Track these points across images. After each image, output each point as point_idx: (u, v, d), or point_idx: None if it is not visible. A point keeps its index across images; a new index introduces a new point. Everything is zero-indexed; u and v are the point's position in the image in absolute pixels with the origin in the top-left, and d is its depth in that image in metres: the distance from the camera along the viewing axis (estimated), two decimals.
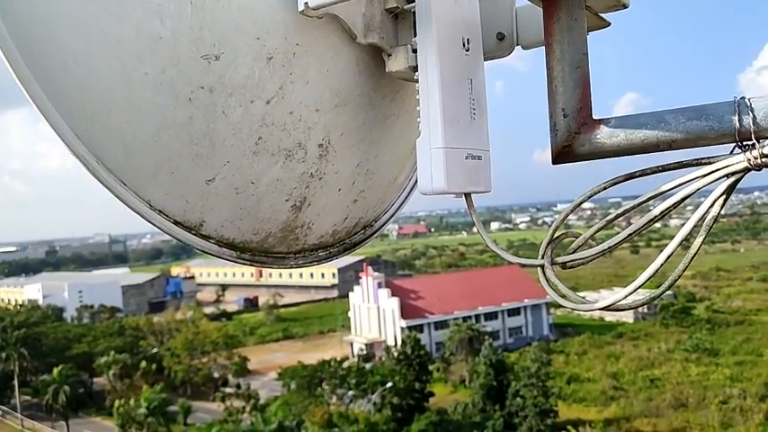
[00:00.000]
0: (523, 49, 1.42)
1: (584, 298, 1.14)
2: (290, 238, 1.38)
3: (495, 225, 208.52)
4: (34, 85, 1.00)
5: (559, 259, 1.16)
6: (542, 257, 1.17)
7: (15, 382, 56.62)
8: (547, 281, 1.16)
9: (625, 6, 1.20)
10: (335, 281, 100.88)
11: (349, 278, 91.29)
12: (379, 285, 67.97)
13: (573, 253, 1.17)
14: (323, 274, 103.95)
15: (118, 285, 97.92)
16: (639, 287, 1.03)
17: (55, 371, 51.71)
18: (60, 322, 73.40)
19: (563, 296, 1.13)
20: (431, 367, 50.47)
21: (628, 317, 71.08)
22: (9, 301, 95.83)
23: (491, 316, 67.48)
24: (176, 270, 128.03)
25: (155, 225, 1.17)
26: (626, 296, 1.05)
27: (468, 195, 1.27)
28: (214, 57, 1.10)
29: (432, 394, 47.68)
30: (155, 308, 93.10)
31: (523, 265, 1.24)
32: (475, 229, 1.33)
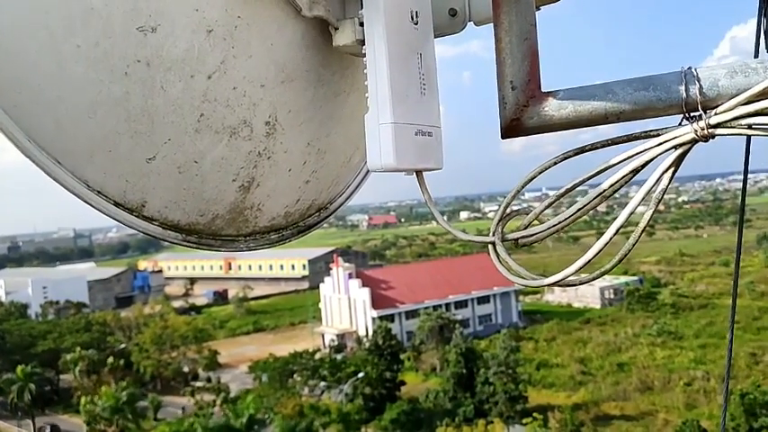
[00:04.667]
0: (476, 25, 1.39)
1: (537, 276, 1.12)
2: (240, 220, 1.34)
3: (464, 214, 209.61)
4: None
5: (510, 236, 1.14)
6: (493, 235, 1.15)
7: None
8: (498, 258, 1.14)
9: None
10: (306, 272, 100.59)
11: (319, 269, 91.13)
12: (350, 276, 67.96)
13: (524, 229, 1.16)
14: (293, 266, 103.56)
15: (84, 280, 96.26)
16: (587, 262, 1.02)
17: (19, 369, 50.68)
18: (24, 319, 71.95)
19: (514, 273, 1.12)
20: (402, 356, 50.69)
21: (595, 303, 72.26)
22: None
23: (461, 304, 67.97)
24: (143, 264, 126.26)
25: (93, 206, 1.13)
26: (574, 272, 1.04)
27: (419, 173, 1.25)
28: (150, 28, 1.05)
29: (403, 383, 47.92)
30: (122, 303, 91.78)
31: (474, 243, 1.22)
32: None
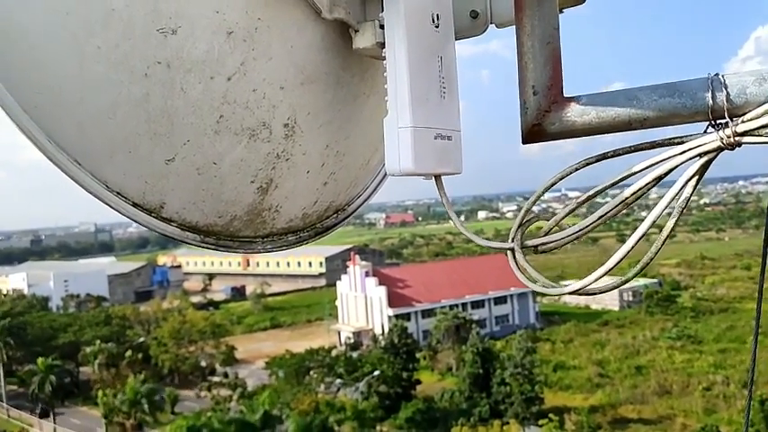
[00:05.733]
0: (497, 27, 1.38)
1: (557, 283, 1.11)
2: (257, 221, 1.34)
3: (482, 214, 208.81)
4: None
5: (529, 242, 1.13)
6: (512, 241, 1.14)
7: (0, 372, 56.25)
8: (516, 264, 1.13)
9: None
10: (323, 270, 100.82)
11: (336, 267, 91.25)
12: (367, 274, 68.02)
13: (544, 236, 1.14)
14: (310, 263, 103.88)
15: (104, 274, 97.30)
16: (608, 271, 1.00)
17: (40, 361, 51.39)
18: (46, 312, 72.93)
19: (532, 280, 1.10)
20: (418, 355, 50.67)
21: (613, 305, 71.67)
22: None
23: (478, 304, 67.75)
24: (163, 259, 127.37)
25: (112, 207, 1.13)
26: (595, 280, 1.02)
27: (438, 177, 1.24)
28: (171, 30, 1.05)
29: (419, 382, 47.90)
30: (141, 297, 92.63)
31: (493, 249, 1.21)
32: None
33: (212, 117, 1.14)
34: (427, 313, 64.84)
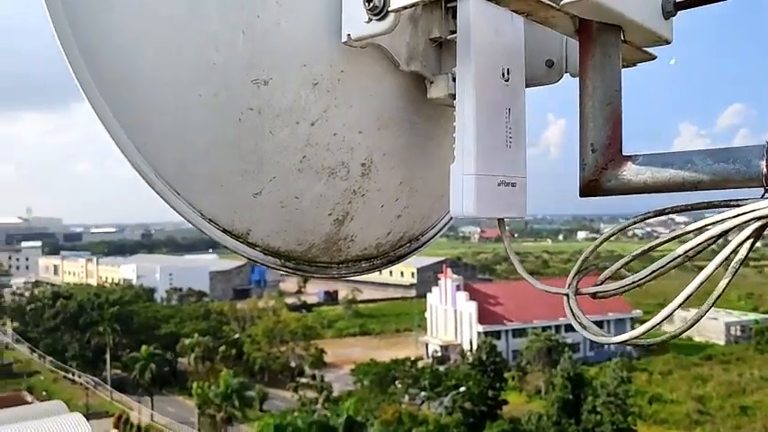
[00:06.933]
0: (572, 76, 1.43)
1: (605, 331, 1.15)
2: (333, 249, 1.45)
3: (581, 234, 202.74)
4: (99, 98, 1.11)
5: (585, 290, 1.18)
6: (568, 287, 1.19)
7: (107, 356, 60.00)
8: (571, 310, 1.18)
9: (668, 42, 1.20)
10: (414, 280, 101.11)
11: (428, 278, 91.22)
12: (458, 288, 67.64)
13: (600, 285, 1.19)
14: (402, 273, 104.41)
15: (206, 270, 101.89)
16: (654, 326, 1.04)
17: (143, 348, 54.44)
18: (151, 302, 77.13)
19: (583, 326, 1.15)
20: (506, 375, 49.85)
21: (719, 339, 67.65)
22: (106, 279, 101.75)
23: (572, 327, 65.38)
24: None
25: (204, 233, 1.28)
26: (642, 333, 1.06)
27: (501, 220, 1.31)
28: (263, 82, 1.19)
29: (505, 402, 47.07)
30: (239, 294, 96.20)
31: (549, 293, 1.27)
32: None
33: (296, 157, 1.27)
34: (518, 333, 63.65)
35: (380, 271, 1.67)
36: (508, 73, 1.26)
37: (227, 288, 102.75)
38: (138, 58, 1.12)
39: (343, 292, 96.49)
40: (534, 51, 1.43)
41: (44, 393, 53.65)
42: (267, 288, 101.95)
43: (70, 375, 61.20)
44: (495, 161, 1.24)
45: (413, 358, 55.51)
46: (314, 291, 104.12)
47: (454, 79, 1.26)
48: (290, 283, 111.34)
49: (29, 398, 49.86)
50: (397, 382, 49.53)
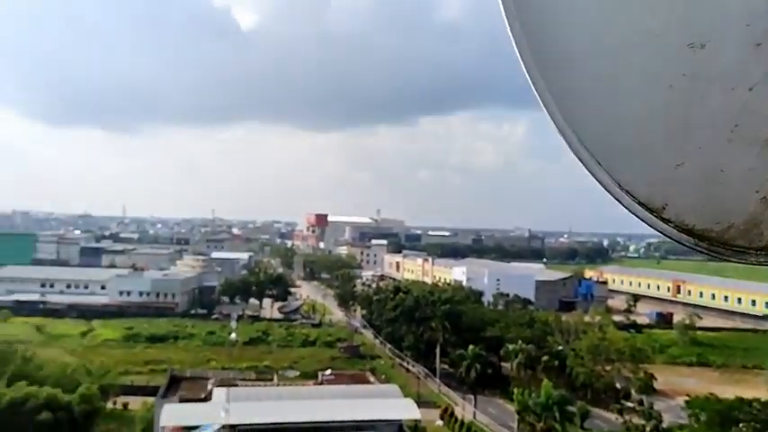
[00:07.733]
0: None
1: None
2: (754, 232, 1.33)
3: None
4: (541, 81, 1.19)
5: None
6: None
7: (437, 351, 64.27)
8: None
9: None
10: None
11: None
12: None
13: None
14: (754, 302, 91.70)
15: (532, 279, 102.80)
16: None
17: (470, 348, 57.05)
18: (478, 305, 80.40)
19: None
20: None
21: None
22: (439, 278, 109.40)
23: None
24: (589, 273, 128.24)
25: (621, 203, 1.28)
26: None
27: None
28: (699, 45, 1.14)
29: None
30: (564, 306, 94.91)
31: None
32: None
33: (728, 126, 1.19)
34: None
35: None
36: None
37: (553, 299, 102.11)
38: (575, 28, 1.17)
39: (679, 315, 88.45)
40: None
41: (383, 377, 59.79)
42: (594, 303, 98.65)
43: (405, 364, 67.10)
44: None
45: (763, 400, 48.25)
46: (645, 311, 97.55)
47: None
48: (619, 301, 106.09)
49: (371, 378, 56.08)
50: (741, 425, 43.62)
